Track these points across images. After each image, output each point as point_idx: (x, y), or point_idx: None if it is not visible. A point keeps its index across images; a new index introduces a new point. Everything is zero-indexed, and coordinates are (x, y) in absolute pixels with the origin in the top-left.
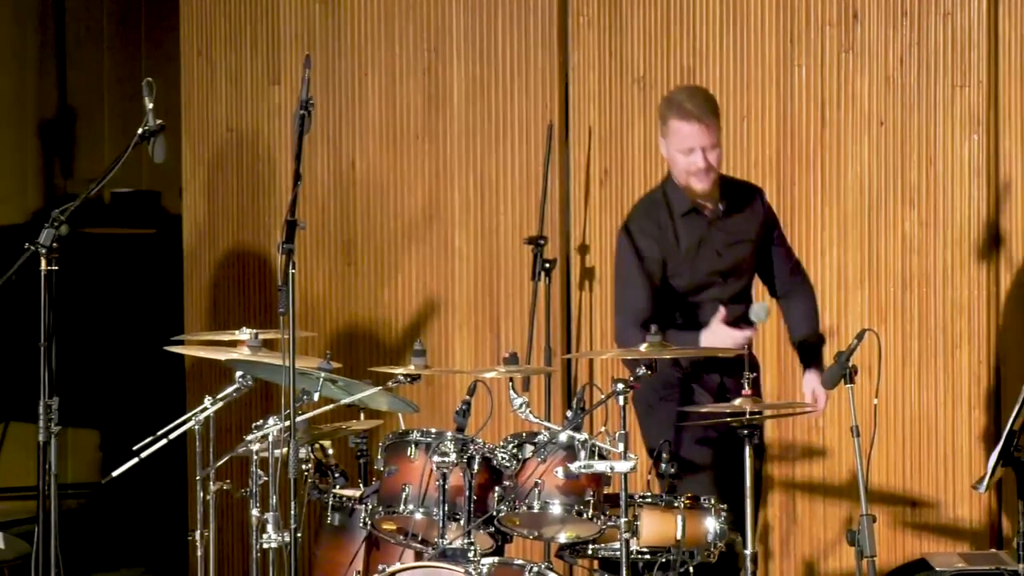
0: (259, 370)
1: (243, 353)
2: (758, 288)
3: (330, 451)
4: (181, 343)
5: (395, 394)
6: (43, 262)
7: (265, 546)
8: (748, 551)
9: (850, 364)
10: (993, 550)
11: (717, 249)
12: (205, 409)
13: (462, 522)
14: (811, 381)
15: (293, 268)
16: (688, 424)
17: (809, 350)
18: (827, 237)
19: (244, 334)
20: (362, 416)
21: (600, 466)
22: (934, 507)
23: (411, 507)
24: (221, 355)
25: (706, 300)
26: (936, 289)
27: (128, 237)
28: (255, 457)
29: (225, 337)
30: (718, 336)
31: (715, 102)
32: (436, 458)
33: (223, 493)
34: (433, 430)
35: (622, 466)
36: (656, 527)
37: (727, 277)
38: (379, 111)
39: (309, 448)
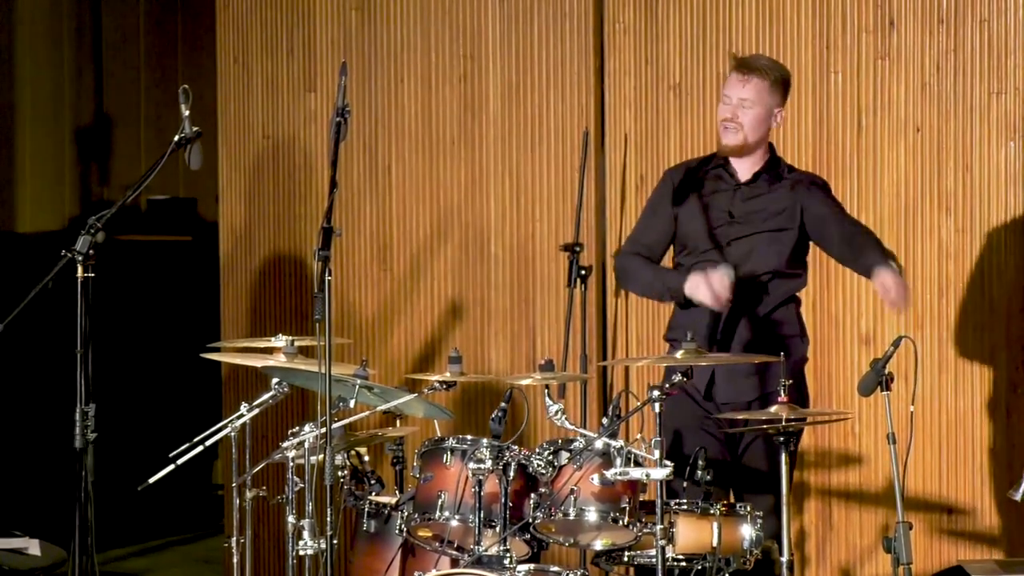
0: (295, 377)
1: (279, 360)
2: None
3: (366, 458)
4: (217, 350)
5: (431, 401)
6: (79, 269)
7: (301, 553)
8: (784, 558)
9: (886, 371)
10: None
11: (731, 211)
12: (241, 416)
13: (498, 529)
14: (881, 275)
15: (329, 275)
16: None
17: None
18: None
19: (280, 341)
20: (398, 423)
21: (636, 473)
22: (970, 514)
23: (447, 514)
24: (257, 362)
25: (704, 265)
26: (972, 295)
27: (164, 244)
28: (291, 464)
29: (261, 344)
30: (698, 286)
31: (779, 71)
32: (472, 465)
33: (259, 500)
34: (469, 437)
35: (658, 473)
36: (692, 534)
37: (730, 242)
38: (415, 118)
39: (345, 455)
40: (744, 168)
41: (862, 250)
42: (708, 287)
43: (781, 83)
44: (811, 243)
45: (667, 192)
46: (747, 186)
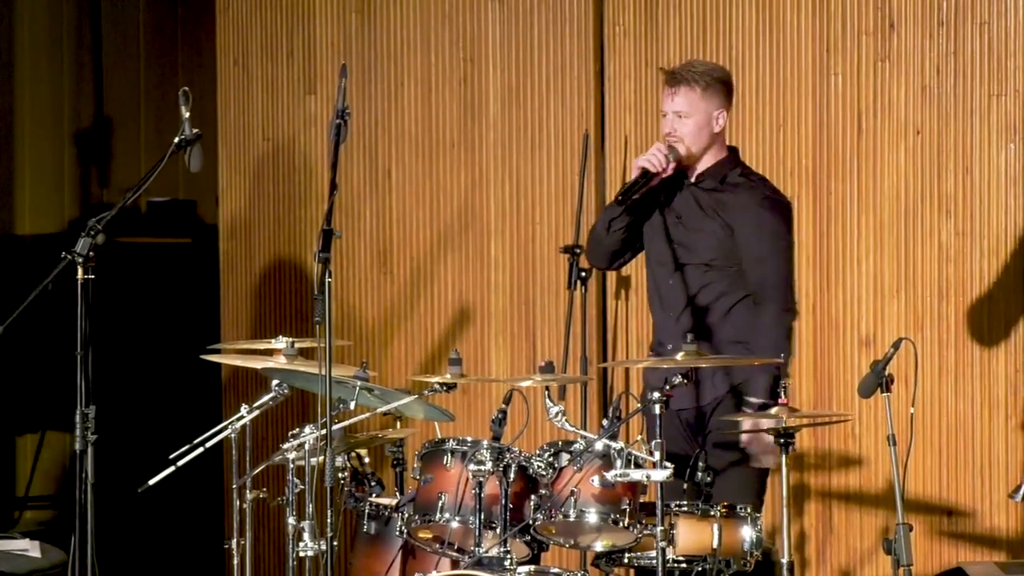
0: (295, 379)
1: (279, 362)
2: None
3: (366, 459)
4: (217, 352)
5: (431, 403)
6: (79, 271)
7: (301, 554)
8: (784, 560)
9: (886, 373)
10: None
11: (679, 215)
12: (241, 418)
13: (498, 531)
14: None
15: (329, 277)
16: None
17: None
18: (863, 246)
19: (280, 343)
20: (398, 425)
21: (636, 475)
22: (970, 516)
23: (447, 515)
24: (257, 364)
25: (662, 264)
26: (972, 298)
27: (164, 246)
28: (291, 465)
29: (261, 346)
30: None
31: (710, 75)
32: (472, 467)
33: (259, 502)
34: (469, 439)
35: (658, 475)
36: (692, 536)
37: (680, 247)
38: (415, 120)
39: (345, 456)
40: (695, 174)
41: (756, 337)
42: (644, 158)
43: (717, 85)
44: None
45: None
46: (693, 186)
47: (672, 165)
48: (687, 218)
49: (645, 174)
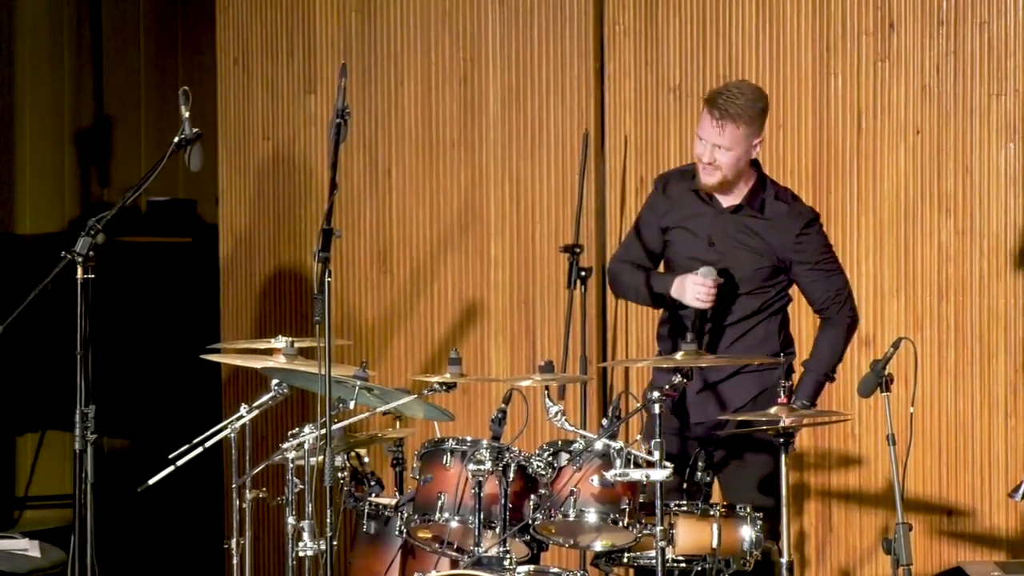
0: (295, 378)
1: (279, 361)
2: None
3: (366, 459)
4: (217, 351)
5: (431, 402)
6: (79, 270)
7: (301, 554)
8: (784, 559)
9: (886, 372)
10: None
11: (711, 238)
12: (241, 417)
13: (498, 530)
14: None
15: (329, 276)
16: None
17: (807, 379)
18: (863, 246)
19: (280, 342)
20: (398, 424)
21: (636, 474)
22: (970, 516)
23: (447, 515)
24: (257, 363)
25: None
26: (972, 298)
27: (164, 245)
28: (291, 465)
29: (261, 345)
30: (686, 291)
31: (754, 107)
32: (472, 466)
33: (259, 501)
34: (469, 438)
35: (658, 474)
36: (692, 535)
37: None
38: (415, 120)
39: (345, 456)
40: (727, 199)
41: (820, 347)
42: (691, 288)
43: (757, 115)
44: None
45: (656, 206)
46: (731, 211)
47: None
48: (721, 244)
49: (702, 313)
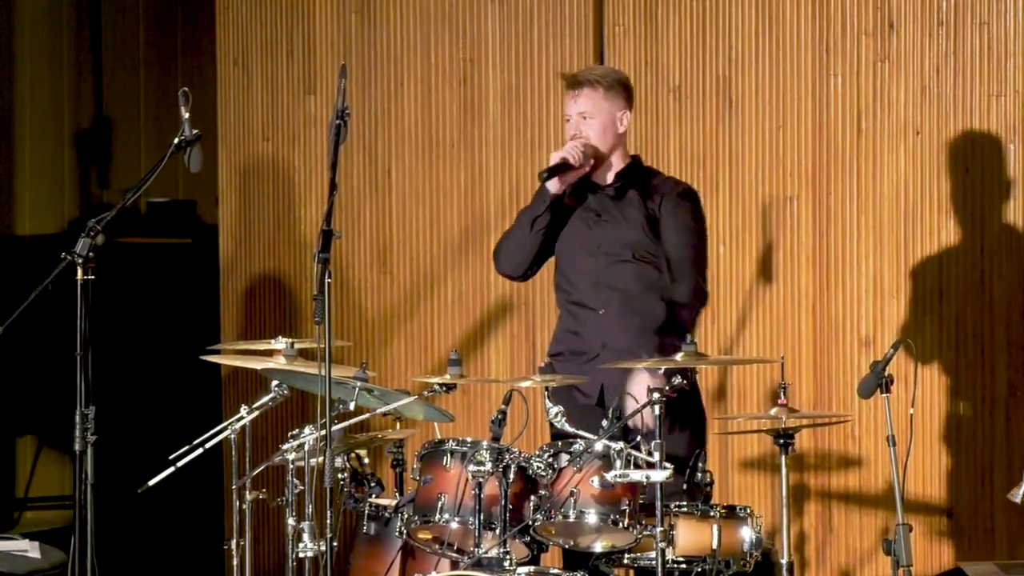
0: (295, 379)
1: (279, 362)
2: None
3: (366, 460)
4: (217, 352)
5: (431, 403)
6: (79, 272)
7: (301, 555)
8: (784, 560)
9: (886, 373)
10: None
11: (589, 222)
12: (241, 418)
13: (498, 531)
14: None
15: (329, 277)
16: None
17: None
18: (863, 247)
19: (280, 343)
20: (398, 425)
21: (636, 475)
22: (970, 517)
23: (447, 516)
24: (257, 364)
25: (574, 270)
26: (972, 298)
27: (164, 247)
28: (291, 466)
29: (261, 346)
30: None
31: (611, 76)
32: (472, 467)
33: (259, 502)
34: (469, 439)
35: (658, 475)
36: (692, 536)
37: (595, 253)
38: (415, 120)
39: (345, 457)
40: (602, 176)
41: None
42: (562, 151)
43: (617, 86)
44: None
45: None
46: (609, 187)
47: (591, 161)
48: (606, 216)
49: (564, 163)
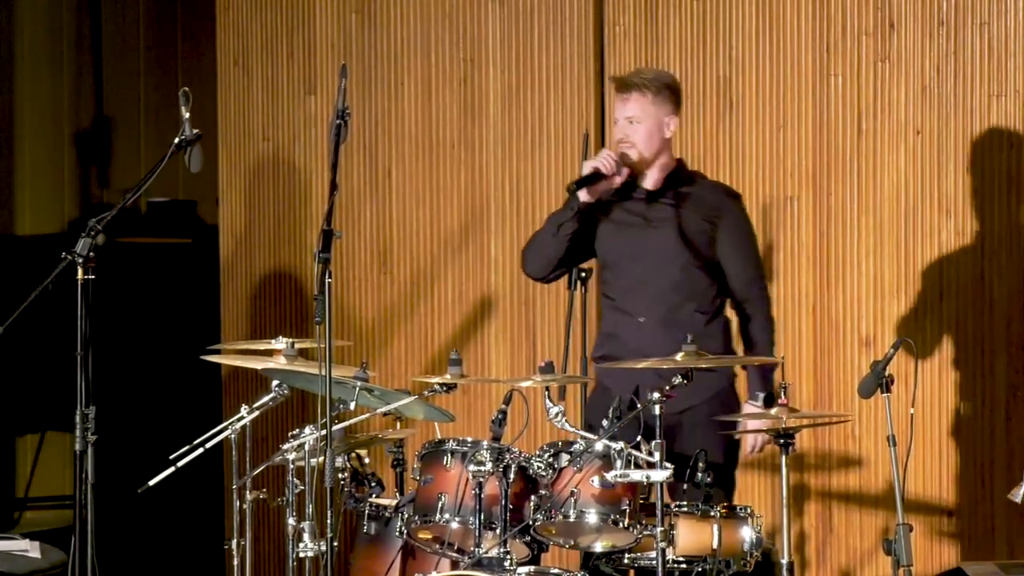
0: (295, 379)
1: (279, 362)
2: None
3: (366, 460)
4: (217, 352)
5: (431, 403)
6: (79, 271)
7: (301, 555)
8: (784, 560)
9: (887, 373)
10: None
11: (633, 228)
12: (241, 418)
13: (498, 531)
14: (750, 409)
15: (329, 277)
16: None
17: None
18: (864, 247)
19: (280, 343)
20: (398, 425)
21: (636, 475)
22: (971, 517)
23: (447, 516)
24: (257, 364)
25: (621, 275)
26: (972, 298)
27: (164, 246)
28: (291, 466)
29: (261, 346)
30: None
31: (660, 81)
32: (472, 467)
33: (259, 502)
34: (469, 439)
35: (658, 475)
36: (692, 536)
37: (641, 260)
38: (415, 121)
39: (345, 457)
40: (650, 181)
41: (752, 342)
42: (594, 162)
43: (666, 91)
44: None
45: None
46: (656, 192)
47: (625, 171)
48: (651, 223)
49: (597, 174)
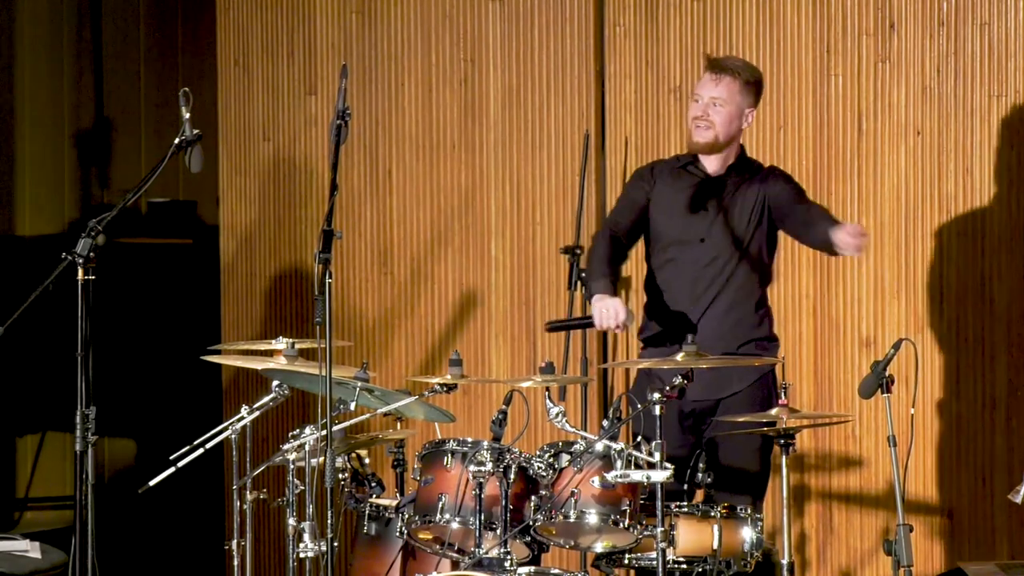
0: (295, 379)
1: (279, 362)
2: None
3: (366, 460)
4: (218, 353)
5: (431, 404)
6: (80, 272)
7: (302, 555)
8: (785, 561)
9: (887, 374)
10: None
11: (694, 206)
12: (242, 419)
13: (498, 531)
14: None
15: (329, 278)
16: None
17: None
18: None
19: (280, 343)
20: (399, 425)
21: (636, 475)
22: (971, 517)
23: (447, 516)
24: (258, 365)
25: (673, 259)
26: (973, 298)
27: (165, 247)
28: (292, 466)
29: (262, 347)
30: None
31: (751, 72)
32: (472, 467)
33: (260, 502)
34: (469, 439)
35: (658, 476)
36: (692, 537)
37: (699, 239)
38: (415, 121)
39: (345, 457)
40: (713, 164)
41: (816, 223)
42: (598, 313)
43: (753, 84)
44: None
45: (637, 183)
46: (717, 178)
47: (623, 327)
48: (712, 207)
49: (585, 324)
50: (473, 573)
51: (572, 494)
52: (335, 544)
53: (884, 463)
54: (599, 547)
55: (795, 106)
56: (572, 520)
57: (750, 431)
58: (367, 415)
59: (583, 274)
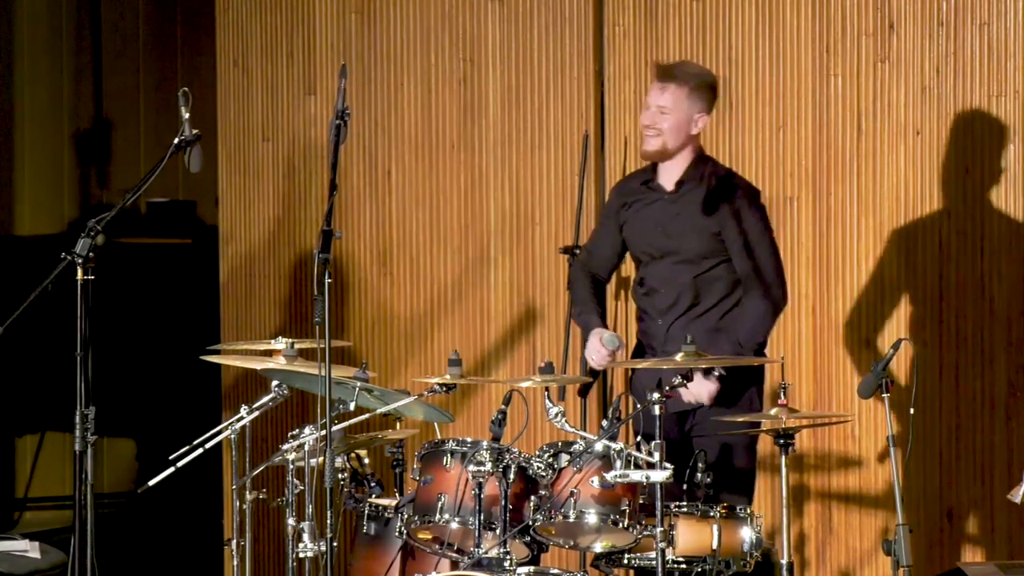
0: (295, 379)
1: (279, 362)
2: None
3: (366, 460)
4: (217, 353)
5: (431, 404)
6: (79, 272)
7: (301, 555)
8: (784, 561)
9: (886, 374)
10: None
11: (662, 224)
12: (241, 419)
13: (498, 531)
14: (698, 385)
15: (329, 278)
16: None
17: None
18: (864, 247)
19: (280, 343)
20: (398, 425)
21: (636, 475)
22: (970, 516)
23: (447, 516)
24: (257, 365)
25: (648, 273)
26: (972, 298)
27: (164, 247)
28: (291, 466)
29: (261, 347)
30: (589, 347)
31: (700, 77)
32: (472, 467)
33: (259, 502)
34: (469, 439)
35: (658, 476)
36: (692, 536)
37: (666, 256)
38: (415, 121)
39: (345, 457)
40: (668, 177)
41: (732, 327)
42: (591, 347)
43: (703, 89)
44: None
45: (612, 207)
46: (673, 196)
47: (611, 357)
48: (671, 229)
49: (593, 372)
50: (472, 573)
51: (571, 494)
52: (334, 544)
53: (883, 463)
54: (598, 547)
55: (795, 106)
56: (571, 520)
57: (731, 432)
58: (366, 415)
59: (573, 309)
